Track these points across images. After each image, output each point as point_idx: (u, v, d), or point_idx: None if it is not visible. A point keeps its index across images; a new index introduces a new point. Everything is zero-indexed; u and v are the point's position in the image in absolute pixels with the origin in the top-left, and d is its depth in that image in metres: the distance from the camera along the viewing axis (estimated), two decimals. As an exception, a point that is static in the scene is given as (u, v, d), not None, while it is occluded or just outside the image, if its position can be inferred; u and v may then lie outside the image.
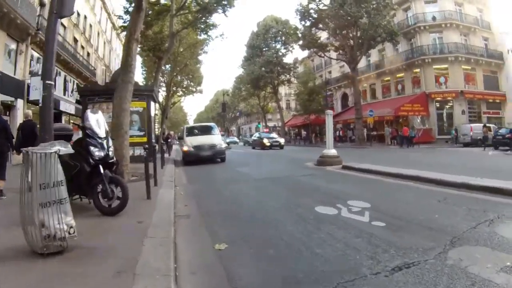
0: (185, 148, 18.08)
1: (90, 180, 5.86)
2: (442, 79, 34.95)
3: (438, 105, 35.28)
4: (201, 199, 7.98)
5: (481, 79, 35.94)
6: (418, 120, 35.46)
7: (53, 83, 5.99)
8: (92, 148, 5.83)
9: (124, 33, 24.77)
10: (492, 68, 36.57)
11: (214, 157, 18.00)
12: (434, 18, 35.71)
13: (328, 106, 45.40)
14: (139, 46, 14.80)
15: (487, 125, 29.20)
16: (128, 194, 5.82)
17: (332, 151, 14.32)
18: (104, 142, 6.03)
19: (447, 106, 35.28)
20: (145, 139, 17.01)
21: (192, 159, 17.64)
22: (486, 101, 35.78)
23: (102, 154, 5.89)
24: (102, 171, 5.81)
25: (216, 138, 18.97)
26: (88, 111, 6.39)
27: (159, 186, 9.06)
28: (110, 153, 6.09)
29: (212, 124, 22.56)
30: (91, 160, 5.80)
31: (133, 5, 20.62)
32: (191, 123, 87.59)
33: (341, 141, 42.19)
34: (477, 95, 35.13)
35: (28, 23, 18.91)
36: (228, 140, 41.50)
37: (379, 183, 9.34)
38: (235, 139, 59.47)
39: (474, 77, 35.85)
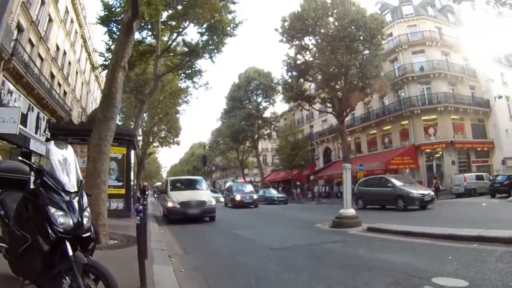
0: (170, 205, 15.61)
1: (50, 265, 3.22)
2: (431, 130, 34.30)
3: (427, 157, 34.47)
4: (214, 285, 5.50)
5: (469, 128, 35.47)
6: (407, 173, 34.11)
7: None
8: (52, 210, 3.27)
9: (105, 72, 22.92)
10: (480, 116, 36.22)
11: (203, 215, 15.64)
12: (422, 68, 35.48)
13: (310, 162, 44.27)
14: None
15: (480, 173, 29.47)
16: None
17: (350, 211, 12.08)
18: (75, 200, 3.47)
19: (437, 157, 34.54)
20: (123, 191, 14.91)
21: (177, 217, 15.24)
22: (475, 150, 35.17)
23: (70, 222, 3.31)
24: (70, 252, 3.18)
25: (205, 194, 16.71)
26: (52, 143, 3.82)
27: (150, 258, 6.43)
28: (85, 220, 3.48)
29: (199, 178, 20.72)
30: (50, 232, 3.18)
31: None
32: (164, 175, 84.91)
33: (328, 196, 40.62)
34: (466, 144, 34.52)
35: (3, 46, 16.29)
36: None
37: (439, 248, 7.47)
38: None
39: (463, 127, 35.37)
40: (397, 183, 19.29)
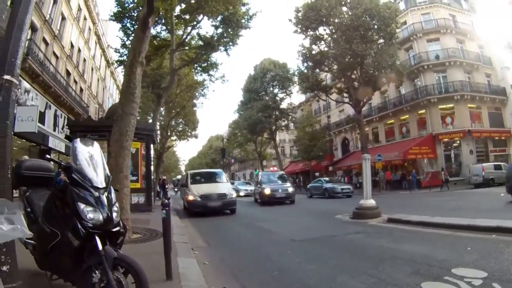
0: (191, 198, 15.70)
1: (79, 260, 3.28)
2: (448, 119, 33.68)
3: (445, 146, 33.91)
4: (240, 276, 5.55)
5: (486, 117, 34.70)
6: (425, 163, 33.98)
7: (16, 81, 3.46)
8: (82, 206, 3.31)
9: (121, 68, 23.05)
10: (496, 104, 35.44)
11: (224, 208, 15.68)
12: (437, 57, 34.72)
13: (328, 152, 43.92)
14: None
15: (498, 163, 28.45)
16: (147, 286, 3.26)
17: (371, 202, 11.94)
18: (104, 196, 3.49)
19: (454, 147, 33.98)
20: (138, 185, 15.07)
21: (198, 210, 15.35)
22: (493, 139, 34.43)
23: (100, 217, 3.34)
24: (100, 247, 3.22)
25: (226, 187, 16.75)
26: (78, 141, 3.81)
27: (174, 251, 6.49)
28: (114, 215, 3.51)
29: (219, 170, 20.70)
30: (80, 228, 3.25)
31: (131, 37, 19.18)
32: (183, 169, 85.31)
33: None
34: (483, 133, 33.82)
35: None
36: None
37: (458, 239, 7.40)
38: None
39: (480, 115, 34.61)
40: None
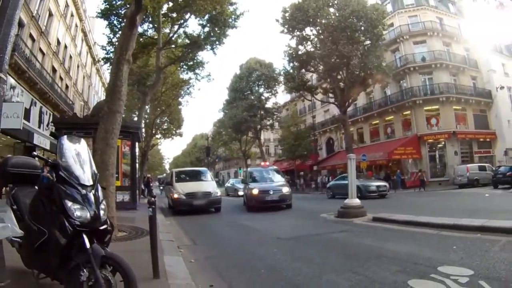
0: (176, 196, 15.68)
1: (67, 259, 3.26)
2: (433, 121, 34.05)
3: (429, 147, 34.36)
4: (226, 274, 5.56)
5: (471, 119, 35.28)
6: (410, 163, 34.41)
7: (4, 77, 3.40)
8: (69, 203, 3.29)
9: (107, 65, 22.81)
10: (482, 107, 36.05)
11: (209, 206, 15.71)
12: (423, 59, 35.19)
13: (313, 152, 44.20)
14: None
15: (482, 164, 29.36)
16: (136, 285, 3.27)
17: (356, 201, 12.10)
18: (91, 194, 3.48)
19: (439, 148, 34.48)
20: (118, 183, 14.68)
21: (183, 208, 15.32)
22: (478, 141, 35.03)
23: (87, 214, 3.33)
24: (87, 245, 3.25)
25: (210, 185, 16.75)
26: (65, 138, 3.84)
27: (160, 250, 6.48)
28: (102, 213, 3.51)
29: (204, 169, 20.61)
30: (67, 225, 3.23)
31: (117, 35, 19.01)
32: (167, 167, 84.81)
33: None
34: (468, 135, 34.37)
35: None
36: None
37: (443, 238, 7.45)
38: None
39: (465, 117, 35.18)
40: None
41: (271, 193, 16.10)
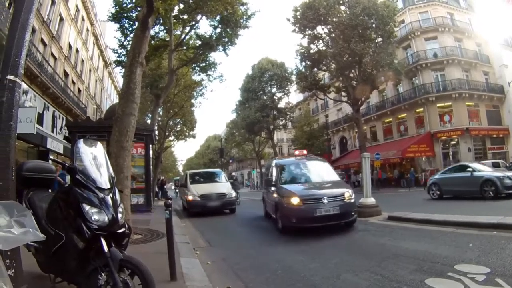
0: (190, 198, 15.71)
1: (85, 262, 3.25)
2: (446, 117, 33.77)
3: (443, 144, 33.99)
4: (243, 276, 5.54)
5: (484, 115, 34.78)
6: (423, 161, 34.26)
7: (19, 81, 3.40)
8: (87, 207, 3.28)
9: (119, 68, 22.98)
10: (494, 102, 35.53)
11: (223, 207, 15.68)
12: (435, 55, 34.87)
13: (326, 151, 43.99)
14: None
15: (496, 161, 27.81)
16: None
17: (371, 200, 11.97)
18: (108, 197, 3.45)
19: (452, 144, 34.01)
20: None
21: (198, 209, 15.35)
22: (491, 137, 34.54)
23: (105, 218, 3.31)
24: (106, 249, 3.23)
25: (225, 186, 16.72)
26: (81, 142, 3.78)
27: (176, 252, 6.46)
28: (120, 216, 3.47)
29: (218, 170, 20.63)
30: (85, 229, 3.21)
31: (129, 38, 19.14)
32: (180, 169, 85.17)
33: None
34: (481, 131, 33.93)
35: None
36: None
37: (459, 236, 7.37)
38: None
39: (478, 113, 34.72)
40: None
41: (325, 201, 8.94)
